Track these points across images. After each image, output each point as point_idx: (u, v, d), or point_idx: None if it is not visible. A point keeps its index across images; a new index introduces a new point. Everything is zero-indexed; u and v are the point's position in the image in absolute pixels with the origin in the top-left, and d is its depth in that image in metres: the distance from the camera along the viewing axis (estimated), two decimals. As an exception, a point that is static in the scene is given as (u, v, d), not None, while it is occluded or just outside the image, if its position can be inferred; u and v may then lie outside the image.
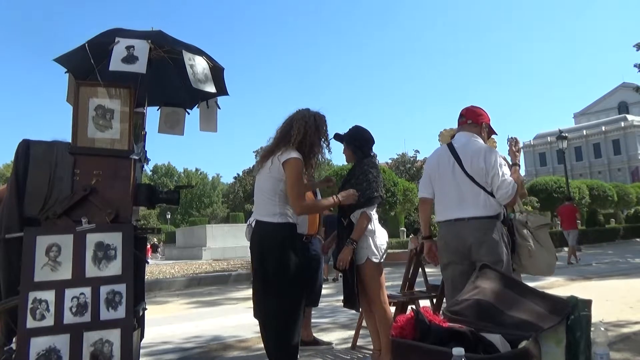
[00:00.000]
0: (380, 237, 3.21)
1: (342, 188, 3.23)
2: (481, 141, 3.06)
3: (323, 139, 2.88)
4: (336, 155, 10.06)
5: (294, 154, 2.72)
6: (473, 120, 3.10)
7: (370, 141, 3.35)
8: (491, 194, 2.89)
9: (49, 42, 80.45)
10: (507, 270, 2.82)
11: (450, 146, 3.05)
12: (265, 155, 2.85)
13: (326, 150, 2.93)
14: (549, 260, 3.18)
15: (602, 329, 2.03)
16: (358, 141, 3.31)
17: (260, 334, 2.90)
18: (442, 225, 3.01)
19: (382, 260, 3.22)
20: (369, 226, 3.13)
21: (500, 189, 2.84)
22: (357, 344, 4.03)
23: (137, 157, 2.78)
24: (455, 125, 3.77)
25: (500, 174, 2.86)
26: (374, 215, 3.22)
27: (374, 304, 3.19)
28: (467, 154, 2.95)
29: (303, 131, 2.77)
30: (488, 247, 2.82)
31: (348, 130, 3.38)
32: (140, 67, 2.44)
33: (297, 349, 2.72)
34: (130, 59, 2.44)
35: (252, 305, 2.93)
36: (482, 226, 2.85)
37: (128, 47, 2.45)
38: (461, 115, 3.15)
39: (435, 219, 3.08)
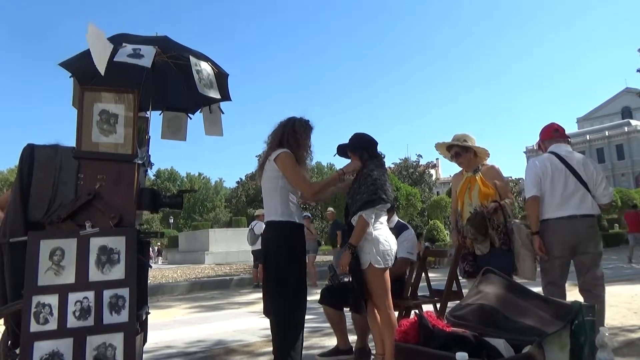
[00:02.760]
0: (385, 241, 3.12)
1: (348, 193, 3.23)
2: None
3: (301, 140, 3.06)
4: (340, 161, 10.01)
5: (282, 149, 2.98)
6: (564, 135, 3.76)
7: (374, 143, 3.33)
8: (593, 197, 3.47)
9: (53, 47, 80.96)
10: (598, 261, 3.44)
11: (557, 155, 3.58)
12: (261, 165, 3.13)
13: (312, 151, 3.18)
14: (534, 265, 3.54)
15: (607, 334, 2.02)
16: (363, 144, 3.29)
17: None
18: (556, 221, 3.46)
19: (389, 265, 3.15)
20: (369, 229, 3.08)
21: (607, 189, 3.50)
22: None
23: (140, 162, 2.79)
24: (454, 132, 3.99)
25: (604, 177, 3.54)
26: (383, 218, 3.18)
27: (379, 309, 3.17)
28: (577, 162, 3.53)
29: (279, 137, 3.05)
30: (595, 241, 3.44)
31: (349, 139, 3.37)
32: (146, 62, 2.46)
33: (294, 349, 2.78)
34: (136, 56, 2.46)
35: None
36: (592, 223, 3.45)
37: (135, 49, 2.47)
38: (555, 129, 3.78)
39: (546, 216, 3.51)
